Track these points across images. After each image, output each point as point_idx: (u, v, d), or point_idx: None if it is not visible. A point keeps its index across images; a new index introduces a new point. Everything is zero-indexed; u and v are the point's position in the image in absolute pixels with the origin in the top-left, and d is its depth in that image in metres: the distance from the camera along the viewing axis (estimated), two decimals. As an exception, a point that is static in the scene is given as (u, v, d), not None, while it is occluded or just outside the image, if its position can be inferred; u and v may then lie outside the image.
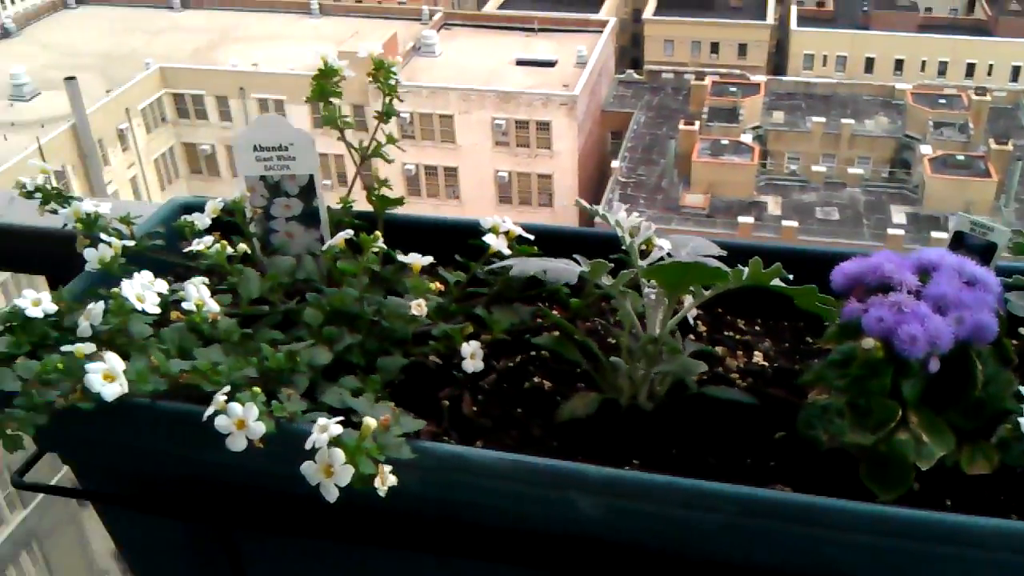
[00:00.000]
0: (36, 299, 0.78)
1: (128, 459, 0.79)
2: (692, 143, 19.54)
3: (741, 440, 0.78)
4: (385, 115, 1.00)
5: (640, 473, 0.66)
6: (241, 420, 0.65)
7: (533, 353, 0.90)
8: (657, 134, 21.69)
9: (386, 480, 0.60)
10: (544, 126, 21.19)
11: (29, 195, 0.93)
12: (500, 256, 0.89)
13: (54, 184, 0.94)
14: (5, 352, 0.72)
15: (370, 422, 0.62)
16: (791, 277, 0.75)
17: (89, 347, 0.66)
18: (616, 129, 22.73)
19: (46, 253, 1.21)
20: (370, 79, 1.01)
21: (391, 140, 0.99)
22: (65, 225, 0.92)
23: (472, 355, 0.83)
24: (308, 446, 0.61)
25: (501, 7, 26.75)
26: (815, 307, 0.76)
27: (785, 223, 18.07)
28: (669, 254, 0.85)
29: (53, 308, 0.78)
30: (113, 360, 0.64)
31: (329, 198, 1.00)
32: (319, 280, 0.93)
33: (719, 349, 0.88)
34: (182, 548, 0.89)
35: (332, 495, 0.60)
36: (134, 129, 22.25)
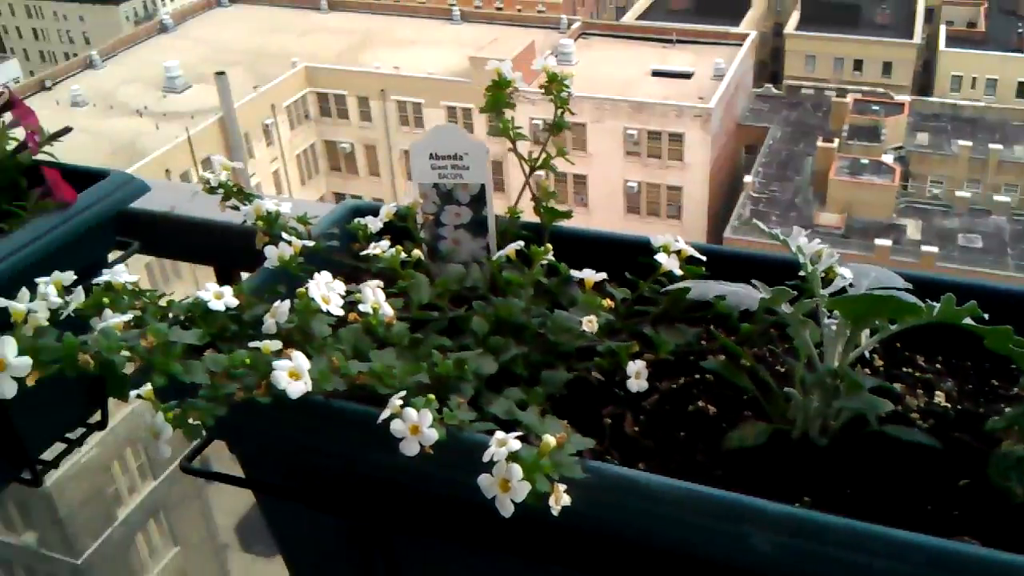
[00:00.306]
0: (219, 292, 0.80)
1: (296, 453, 0.81)
2: (830, 161, 19.03)
3: (921, 485, 0.74)
4: (556, 127, 1.00)
5: (821, 514, 0.63)
6: (415, 426, 0.66)
7: (697, 376, 0.88)
8: (793, 150, 21.23)
9: (560, 499, 0.59)
10: (677, 138, 20.99)
11: (212, 191, 0.97)
12: (670, 276, 0.88)
13: (235, 182, 0.97)
14: (191, 343, 0.75)
15: (549, 440, 0.61)
16: (986, 317, 0.71)
17: (276, 344, 0.68)
18: (751, 143, 22.34)
19: (216, 245, 1.26)
20: (542, 90, 1.01)
21: (561, 152, 0.99)
22: (244, 221, 0.95)
23: (638, 374, 0.82)
24: (486, 458, 0.61)
25: (640, 18, 26.63)
26: (1009, 350, 0.72)
27: (925, 248, 17.43)
28: (851, 284, 0.82)
29: (234, 302, 0.81)
30: (300, 359, 0.65)
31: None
32: (485, 289, 0.93)
33: (898, 386, 0.84)
34: (337, 544, 0.90)
35: (507, 510, 0.60)
36: (278, 125, 23.05)
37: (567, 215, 0.98)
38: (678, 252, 0.88)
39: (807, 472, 0.76)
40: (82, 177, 1.13)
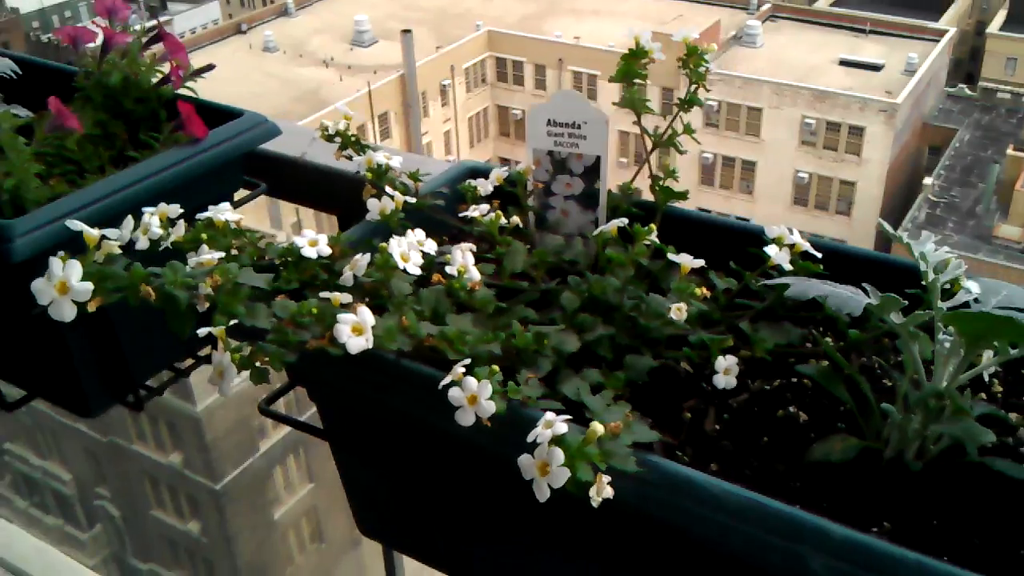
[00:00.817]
0: (313, 240, 0.80)
1: (365, 407, 0.81)
2: (1019, 171, 17.88)
3: (1021, 527, 0.67)
4: (688, 103, 0.96)
5: (889, 545, 0.58)
6: (474, 396, 0.64)
7: (794, 380, 0.83)
8: (980, 156, 20.06)
9: (602, 491, 0.57)
10: (857, 131, 20.16)
11: (330, 139, 0.97)
12: (780, 270, 0.83)
13: (353, 132, 0.97)
14: (272, 287, 0.75)
15: (597, 428, 0.58)
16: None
17: (345, 297, 0.67)
18: (936, 144, 21.24)
19: (341, 194, 1.27)
20: (680, 64, 0.97)
21: (688, 131, 0.95)
22: (357, 172, 0.95)
23: (726, 370, 0.78)
24: (530, 439, 0.59)
25: (834, 4, 25.60)
26: None
27: (1115, 275, 16.19)
28: (977, 299, 0.75)
29: (327, 251, 0.81)
30: (364, 314, 0.64)
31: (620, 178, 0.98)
32: (585, 264, 0.90)
33: (1014, 416, 0.77)
34: (396, 497, 0.90)
35: (543, 494, 0.57)
36: (455, 86, 23.39)
37: (683, 195, 0.94)
38: (791, 246, 0.83)
39: (894, 497, 0.71)
40: (217, 115, 1.16)
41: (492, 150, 24.37)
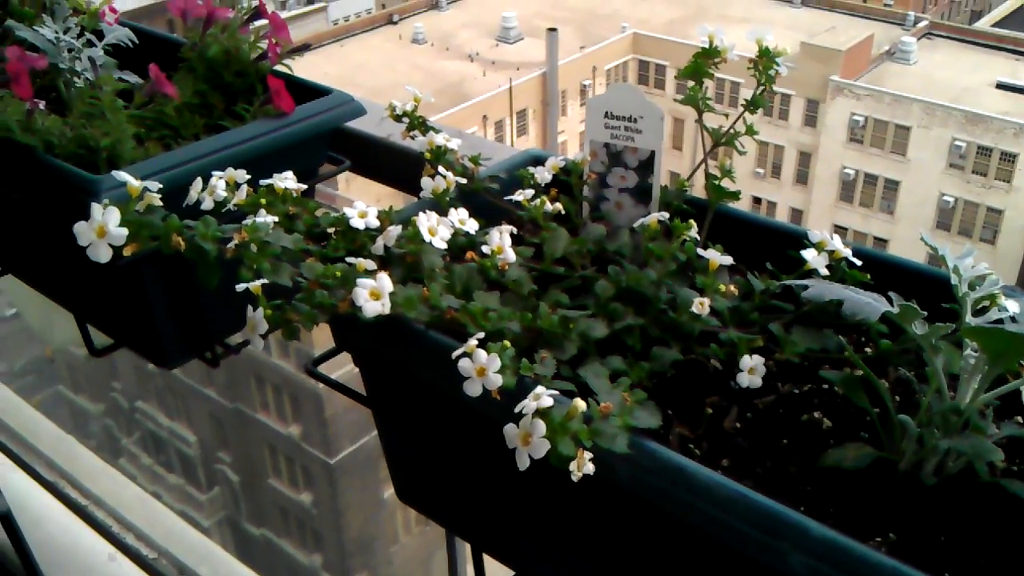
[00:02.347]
0: (363, 211, 0.84)
1: (396, 374, 0.84)
2: None
3: (1028, 553, 0.66)
4: (753, 105, 0.96)
5: (868, 549, 0.58)
6: (482, 368, 0.67)
7: (824, 386, 0.82)
8: None
9: (582, 466, 0.58)
10: (1009, 157, 19.25)
11: (398, 118, 1.01)
12: (817, 274, 0.82)
13: (421, 115, 1.01)
14: (318, 253, 0.79)
15: (579, 404, 0.60)
16: None
17: (370, 264, 0.70)
18: (1098, 179, 20.06)
19: (418, 175, 1.31)
20: (749, 65, 0.97)
21: (750, 131, 0.95)
22: (421, 153, 0.99)
23: (751, 370, 0.78)
24: (517, 409, 0.61)
25: (996, 25, 24.48)
26: None
27: None
28: (1013, 318, 0.74)
29: (376, 223, 0.84)
30: (383, 281, 0.68)
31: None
32: (628, 256, 0.91)
33: (1042, 440, 0.75)
34: (427, 464, 0.93)
35: (523, 463, 0.59)
36: (596, 87, 23.37)
37: (734, 195, 0.94)
38: (831, 252, 0.82)
39: (904, 510, 0.70)
40: (308, 91, 1.21)
41: (627, 153, 24.21)
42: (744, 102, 0.98)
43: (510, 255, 0.81)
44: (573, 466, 0.58)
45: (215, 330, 1.19)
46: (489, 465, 0.82)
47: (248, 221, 0.72)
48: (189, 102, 1.21)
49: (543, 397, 0.60)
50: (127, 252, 0.64)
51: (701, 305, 0.76)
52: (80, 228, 0.64)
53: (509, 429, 0.61)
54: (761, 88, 0.97)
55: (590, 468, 0.59)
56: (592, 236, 0.90)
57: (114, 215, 0.63)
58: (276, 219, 0.82)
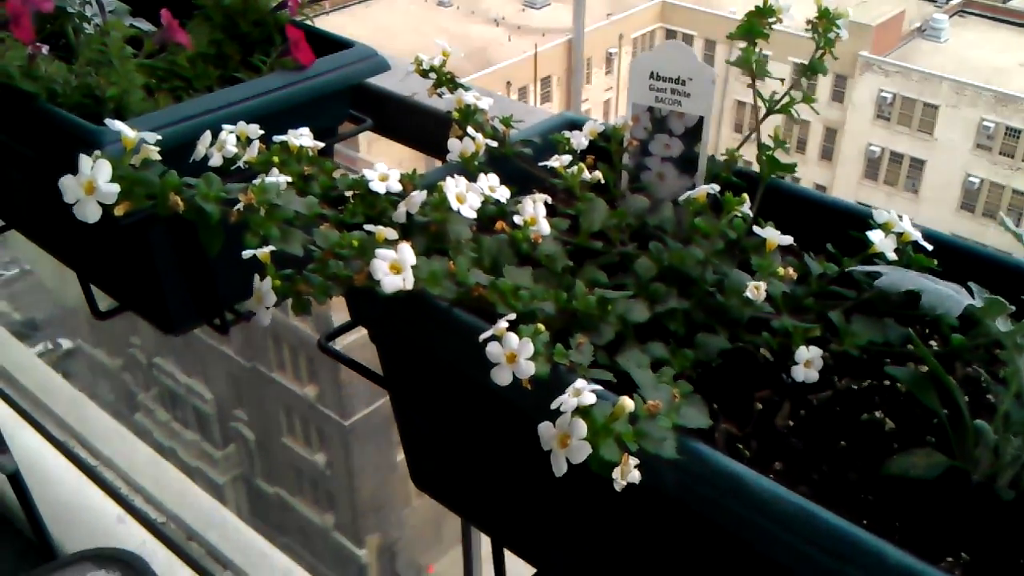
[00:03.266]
0: (384, 174, 0.77)
1: (416, 354, 0.77)
2: None
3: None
4: (811, 70, 0.87)
5: (951, 578, 0.50)
6: (513, 354, 0.59)
7: (886, 383, 0.75)
8: None
9: (627, 474, 0.51)
10: (1038, 140, 18.94)
11: (424, 73, 0.93)
12: (883, 258, 0.74)
13: (449, 71, 0.93)
14: (332, 217, 0.72)
15: (627, 403, 0.53)
16: None
17: (391, 233, 0.63)
18: None
19: (445, 139, 1.23)
20: (807, 27, 0.89)
21: (808, 99, 0.87)
22: (448, 112, 0.91)
23: (807, 363, 0.71)
24: (554, 406, 0.54)
25: (1032, 2, 24.02)
26: None
27: None
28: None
29: (398, 187, 0.77)
30: (405, 253, 0.60)
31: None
32: (671, 231, 0.84)
33: None
34: (446, 451, 0.86)
35: (559, 468, 0.52)
36: (622, 55, 23.11)
37: (790, 168, 0.86)
38: (899, 234, 0.75)
39: (978, 526, 0.62)
40: (329, 44, 1.14)
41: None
42: (801, 65, 0.90)
43: (544, 227, 0.73)
44: (616, 473, 0.51)
45: (225, 294, 1.12)
46: (516, 457, 0.75)
47: (257, 181, 0.64)
48: (203, 52, 1.14)
49: (584, 392, 0.53)
50: (119, 212, 0.57)
51: (756, 290, 0.68)
52: (66, 183, 0.56)
53: (545, 429, 0.54)
54: (820, 52, 0.89)
55: (636, 476, 0.51)
56: (633, 209, 0.82)
57: (104, 169, 0.56)
58: (289, 179, 0.74)
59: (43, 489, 1.93)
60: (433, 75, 0.92)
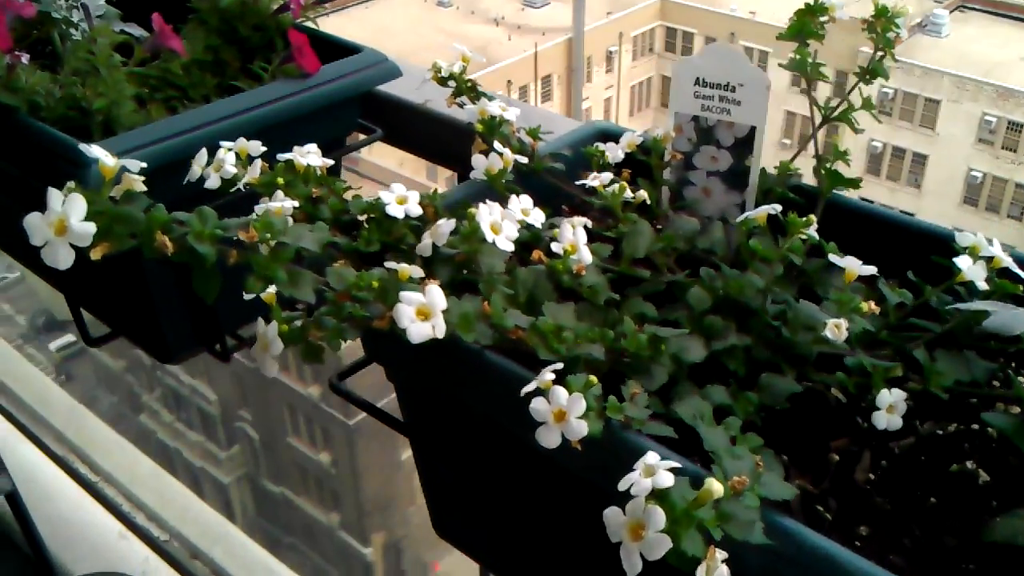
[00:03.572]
0: (402, 196, 0.69)
1: (442, 400, 0.69)
2: None
3: None
4: (870, 74, 0.79)
5: None
6: (562, 411, 0.51)
7: (976, 427, 0.66)
8: None
9: (713, 570, 0.42)
10: (1041, 134, 18.86)
11: (443, 82, 0.85)
12: (972, 288, 0.66)
13: (468, 77, 0.85)
14: (348, 247, 0.64)
15: (714, 487, 0.44)
16: None
17: (415, 271, 0.54)
18: None
19: (462, 148, 1.15)
20: (864, 27, 0.80)
21: (868, 106, 0.78)
22: (469, 124, 0.83)
23: (891, 407, 0.62)
24: (622, 487, 0.45)
25: (1034, -4, 23.91)
26: None
27: None
28: None
29: (418, 211, 0.68)
30: (435, 296, 0.52)
31: (769, 159, 0.82)
32: (722, 255, 0.75)
33: None
34: (474, 504, 0.78)
35: (633, 567, 0.43)
36: (622, 54, 23.02)
37: (854, 183, 0.77)
38: (989, 259, 0.66)
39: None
40: (335, 49, 1.05)
41: (652, 120, 23.90)
42: (859, 68, 0.81)
43: (586, 255, 0.65)
44: (701, 571, 0.42)
45: (226, 318, 1.03)
46: (556, 515, 0.66)
47: (259, 210, 0.56)
48: (199, 59, 1.05)
49: (660, 471, 0.44)
50: (95, 255, 0.48)
51: (837, 329, 0.60)
52: (32, 223, 0.47)
53: (613, 517, 0.45)
54: (880, 54, 0.80)
55: (724, 573, 0.43)
56: (682, 232, 0.73)
57: (78, 205, 0.47)
58: (296, 204, 0.66)
59: (42, 505, 1.85)
60: (452, 83, 0.83)
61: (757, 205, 0.79)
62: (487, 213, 0.58)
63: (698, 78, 0.76)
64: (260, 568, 2.05)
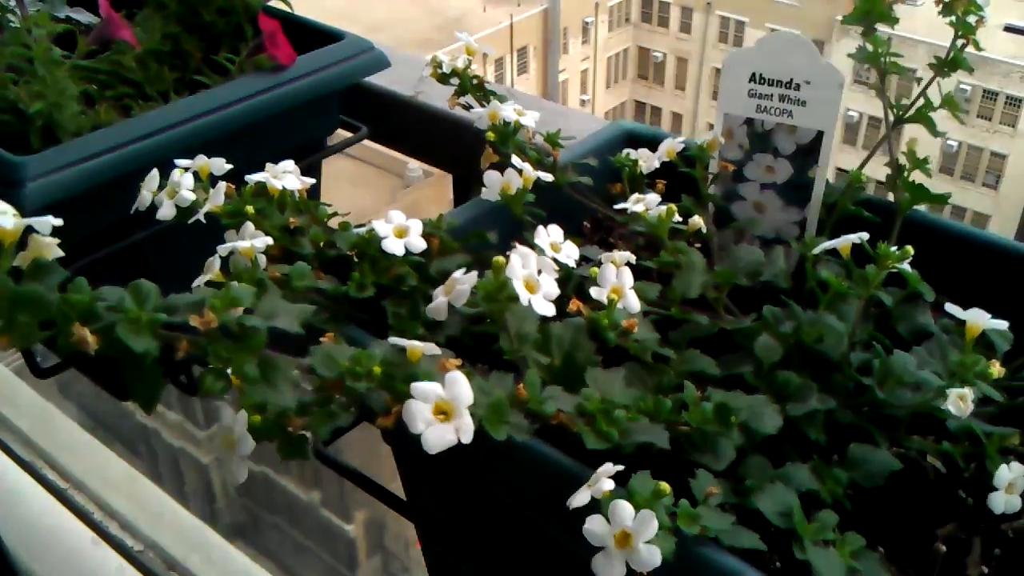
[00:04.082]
0: (401, 227, 0.56)
1: (461, 485, 0.56)
2: None
3: None
4: (951, 64, 0.66)
5: None
6: (627, 534, 0.38)
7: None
8: None
9: None
10: (1015, 102, 18.86)
11: (444, 79, 0.72)
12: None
13: (476, 75, 0.72)
14: (332, 291, 0.51)
15: None
16: None
17: (430, 348, 0.41)
18: (1111, 124, 19.70)
19: (461, 149, 1.01)
20: (939, 10, 0.67)
21: (951, 104, 0.65)
22: (471, 122, 0.70)
23: (1011, 486, 0.50)
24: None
25: (1011, -38, 23.87)
26: None
27: None
28: None
29: (420, 245, 0.56)
30: (458, 388, 0.39)
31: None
32: (783, 285, 0.62)
33: None
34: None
35: None
36: (598, 24, 22.80)
37: (941, 199, 0.65)
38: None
39: None
40: (312, 36, 0.91)
41: (629, 92, 23.73)
42: (935, 59, 0.69)
43: (633, 303, 0.52)
44: None
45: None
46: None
47: (223, 252, 0.43)
48: (156, 49, 0.91)
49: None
50: (-5, 351, 0.35)
51: (961, 402, 0.47)
52: None
53: None
54: (962, 42, 0.68)
55: None
56: (744, 264, 0.61)
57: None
58: (270, 241, 0.53)
59: (11, 510, 1.74)
60: (455, 80, 0.70)
61: (820, 223, 0.66)
62: (520, 266, 0.45)
63: (754, 73, 0.63)
64: (240, 574, 1.94)
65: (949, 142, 19.56)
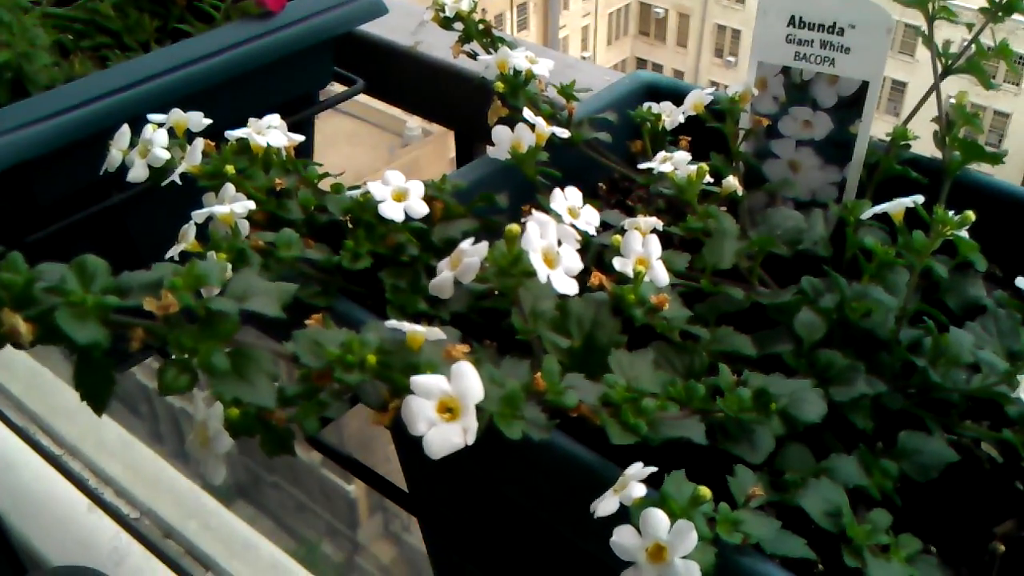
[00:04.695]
0: (400, 190, 0.50)
1: (468, 480, 0.51)
2: None
3: None
4: (1004, 8, 0.60)
5: None
6: (661, 547, 0.33)
7: None
8: None
9: None
10: (1021, 60, 18.63)
11: (446, 24, 0.65)
12: None
13: (483, 19, 0.65)
14: (323, 262, 0.45)
15: None
16: None
17: (434, 333, 0.35)
18: None
19: (464, 103, 0.95)
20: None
21: (1005, 52, 0.59)
22: (482, 78, 0.63)
23: (1080, 481, 0.45)
24: None
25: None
26: None
27: None
28: None
29: (422, 210, 0.50)
30: (466, 381, 0.33)
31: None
32: (822, 253, 0.57)
33: None
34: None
35: None
36: (600, -24, 22.52)
37: (996, 157, 0.59)
38: None
39: None
40: (303, -19, 0.85)
41: (630, 49, 23.49)
42: (988, 2, 0.62)
43: (661, 276, 0.46)
44: None
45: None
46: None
47: (198, 217, 0.37)
48: (134, -6, 0.85)
49: None
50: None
51: (1032, 388, 0.42)
52: None
53: None
54: (1017, -17, 0.62)
55: None
56: (783, 231, 0.55)
57: None
58: (252, 205, 0.47)
59: (1, 478, 1.71)
60: (459, 25, 0.64)
61: (861, 184, 0.60)
62: (537, 236, 0.39)
63: (793, 16, 0.57)
64: (237, 541, 1.91)
65: (951, 100, 19.40)
